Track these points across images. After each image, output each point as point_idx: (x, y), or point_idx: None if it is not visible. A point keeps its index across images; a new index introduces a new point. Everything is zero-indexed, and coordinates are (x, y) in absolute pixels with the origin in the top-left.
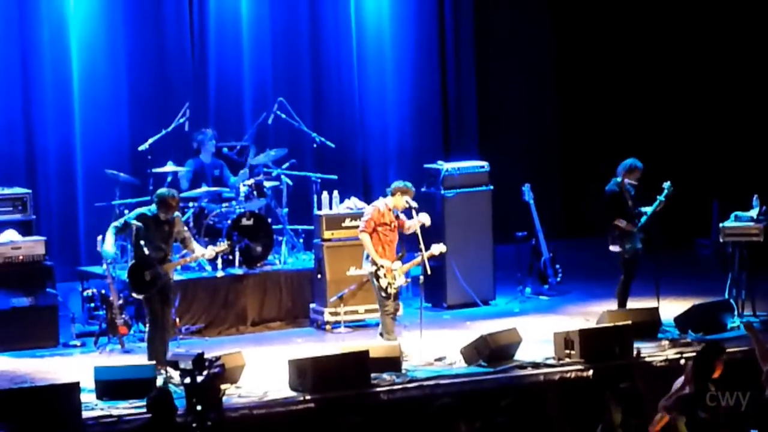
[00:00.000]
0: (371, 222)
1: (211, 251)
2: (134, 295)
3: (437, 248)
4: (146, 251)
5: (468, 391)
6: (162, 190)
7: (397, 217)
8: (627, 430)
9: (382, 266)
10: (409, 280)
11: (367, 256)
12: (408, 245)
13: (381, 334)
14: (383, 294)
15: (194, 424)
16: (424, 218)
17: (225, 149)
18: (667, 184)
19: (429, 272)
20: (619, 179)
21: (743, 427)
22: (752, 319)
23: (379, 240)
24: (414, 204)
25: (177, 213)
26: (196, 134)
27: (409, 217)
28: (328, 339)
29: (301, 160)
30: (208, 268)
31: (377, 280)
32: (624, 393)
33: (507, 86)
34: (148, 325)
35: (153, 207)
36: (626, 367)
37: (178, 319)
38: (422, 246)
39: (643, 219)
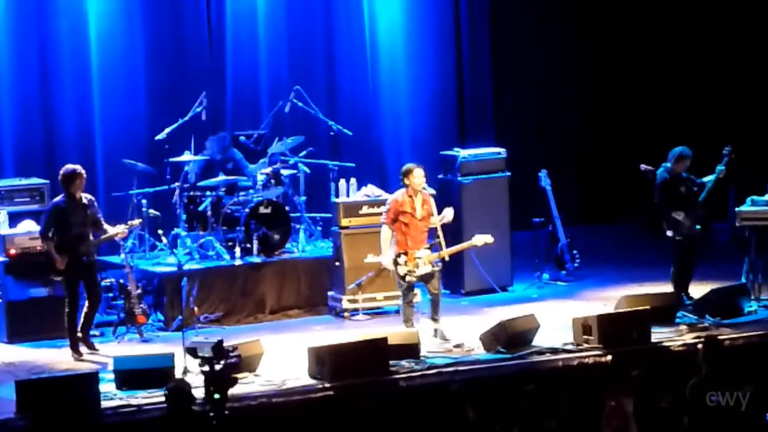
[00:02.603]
0: (390, 213)
1: (123, 228)
2: (53, 277)
3: (481, 239)
4: (58, 238)
5: (487, 378)
6: (65, 169)
7: (423, 203)
8: (641, 418)
9: (403, 254)
10: (437, 268)
11: (392, 245)
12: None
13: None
14: (402, 282)
15: (211, 413)
16: (448, 214)
17: (242, 138)
18: (727, 150)
19: (447, 259)
20: (669, 165)
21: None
22: None
23: (401, 229)
24: (430, 190)
25: (91, 197)
26: (206, 148)
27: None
28: (347, 326)
29: (318, 148)
30: (226, 256)
31: (396, 267)
32: (636, 380)
33: (523, 71)
34: (66, 306)
35: (61, 196)
36: (643, 352)
37: (196, 308)
38: (442, 240)
39: (703, 193)
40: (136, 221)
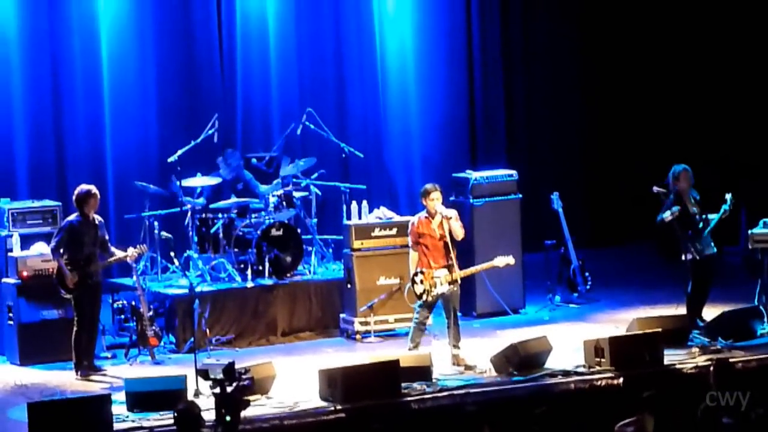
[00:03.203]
0: (411, 236)
1: (132, 252)
2: (63, 294)
3: (503, 260)
4: (69, 256)
5: (498, 400)
6: (80, 189)
7: (441, 224)
8: None
9: (420, 272)
10: (455, 288)
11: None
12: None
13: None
14: (418, 301)
15: None
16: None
17: (254, 160)
18: (728, 196)
19: (458, 281)
20: (675, 188)
21: None
22: None
23: (422, 249)
24: (447, 212)
25: (101, 219)
26: (220, 161)
27: None
28: (359, 348)
29: (329, 171)
30: (238, 279)
31: (413, 286)
32: (650, 401)
33: (534, 94)
34: (75, 325)
35: (75, 215)
36: (656, 374)
37: (208, 330)
38: (455, 262)
39: (712, 223)
40: (144, 247)
